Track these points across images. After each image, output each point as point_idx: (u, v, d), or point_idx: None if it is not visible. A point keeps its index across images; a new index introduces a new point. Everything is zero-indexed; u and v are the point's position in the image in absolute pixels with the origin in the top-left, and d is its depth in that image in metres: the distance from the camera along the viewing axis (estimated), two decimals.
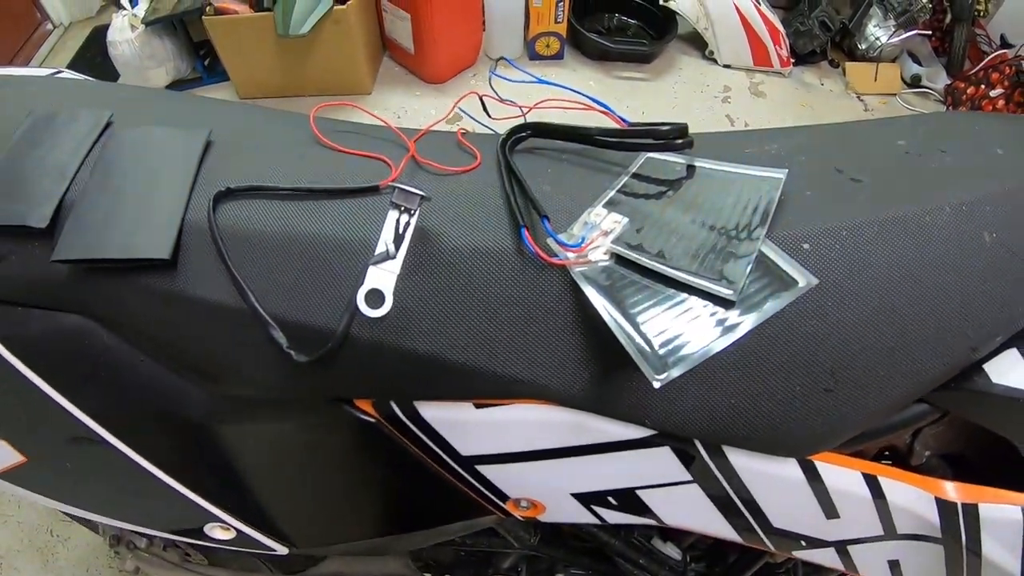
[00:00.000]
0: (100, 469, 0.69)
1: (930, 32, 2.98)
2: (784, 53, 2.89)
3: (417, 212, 0.51)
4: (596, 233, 0.51)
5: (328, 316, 0.53)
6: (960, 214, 0.55)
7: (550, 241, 0.50)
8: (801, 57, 3.01)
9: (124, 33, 2.55)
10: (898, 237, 0.53)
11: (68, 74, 0.87)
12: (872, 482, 0.56)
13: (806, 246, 0.52)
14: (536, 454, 0.59)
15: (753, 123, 2.72)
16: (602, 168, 0.62)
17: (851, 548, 0.61)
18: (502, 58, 0.75)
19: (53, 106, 0.65)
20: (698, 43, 3.02)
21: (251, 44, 2.52)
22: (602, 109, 0.65)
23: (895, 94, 2.92)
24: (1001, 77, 2.64)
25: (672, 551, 0.86)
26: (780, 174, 0.56)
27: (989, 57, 2.76)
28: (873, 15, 2.91)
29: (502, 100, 0.69)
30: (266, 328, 0.53)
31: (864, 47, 2.96)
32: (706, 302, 0.47)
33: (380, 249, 0.51)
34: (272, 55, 2.55)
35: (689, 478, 0.58)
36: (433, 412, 0.58)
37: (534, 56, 2.91)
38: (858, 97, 2.92)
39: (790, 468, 0.56)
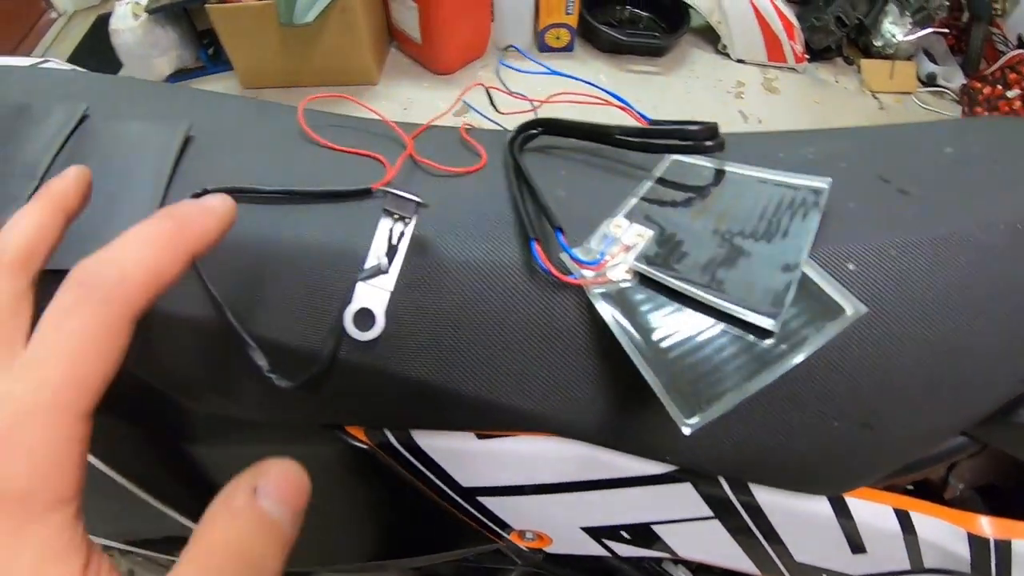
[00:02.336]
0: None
1: (946, 30, 2.92)
2: (799, 49, 2.84)
3: (413, 220, 0.45)
4: (617, 248, 0.45)
5: (314, 337, 0.47)
6: (1016, 233, 0.48)
7: (564, 257, 0.44)
8: (816, 53, 2.95)
9: (127, 21, 2.52)
10: (950, 257, 0.47)
11: (54, 64, 0.81)
12: (903, 517, 0.53)
13: (851, 266, 0.46)
14: (544, 488, 0.54)
15: (767, 120, 2.66)
16: (622, 171, 0.56)
17: None
18: (511, 47, 0.70)
19: (29, 98, 0.59)
20: (711, 37, 2.97)
21: (256, 33, 2.47)
22: (620, 104, 0.59)
23: (910, 93, 2.87)
24: (1018, 77, 2.60)
25: (683, 574, 0.82)
26: (823, 183, 0.50)
27: (1006, 57, 2.69)
28: (889, 12, 2.86)
29: (511, 93, 0.63)
30: (245, 349, 0.47)
31: (880, 44, 2.90)
32: (742, 332, 0.41)
33: (371, 263, 0.45)
34: (277, 44, 2.51)
35: (710, 514, 0.54)
36: (431, 441, 0.53)
37: (544, 48, 2.86)
38: (873, 95, 2.86)
39: (819, 505, 0.52)
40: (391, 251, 0.45)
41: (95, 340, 0.26)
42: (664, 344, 0.41)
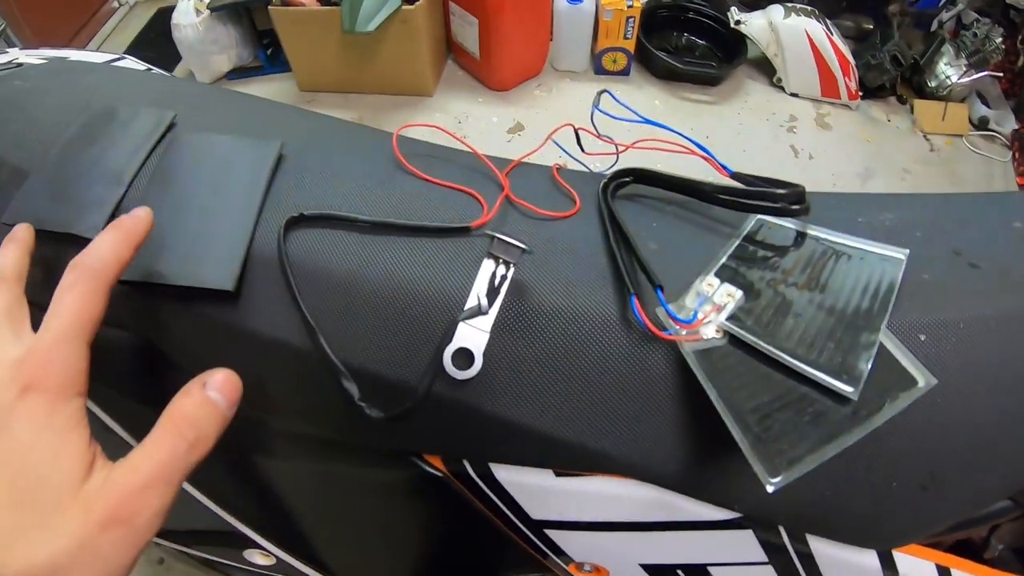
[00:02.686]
0: None
1: (1001, 74, 2.89)
2: (853, 86, 2.83)
3: (514, 266, 0.47)
4: (709, 307, 0.47)
5: (406, 368, 0.49)
6: None
7: (660, 312, 0.46)
8: (869, 91, 2.93)
9: (188, 17, 2.58)
10: (1010, 333, 0.49)
11: (129, 61, 0.83)
12: (944, 574, 0.54)
13: (923, 337, 0.48)
14: (613, 525, 0.55)
15: (818, 155, 2.66)
16: (709, 227, 0.58)
17: None
18: (605, 91, 0.71)
19: (112, 99, 0.61)
20: (766, 69, 2.97)
21: (316, 37, 2.52)
22: (704, 154, 0.61)
23: (962, 135, 2.84)
24: None
25: None
26: (901, 254, 0.52)
27: None
28: (945, 53, 2.83)
29: (600, 136, 0.65)
30: (337, 376, 0.49)
31: (934, 85, 2.88)
32: (822, 397, 0.43)
33: (471, 303, 0.47)
34: (336, 50, 2.55)
35: (765, 560, 0.55)
36: (508, 475, 0.54)
37: (600, 71, 2.88)
38: (924, 136, 2.84)
39: (869, 558, 0.53)
40: (492, 293, 0.47)
41: (90, 299, 0.40)
42: (750, 403, 0.43)
